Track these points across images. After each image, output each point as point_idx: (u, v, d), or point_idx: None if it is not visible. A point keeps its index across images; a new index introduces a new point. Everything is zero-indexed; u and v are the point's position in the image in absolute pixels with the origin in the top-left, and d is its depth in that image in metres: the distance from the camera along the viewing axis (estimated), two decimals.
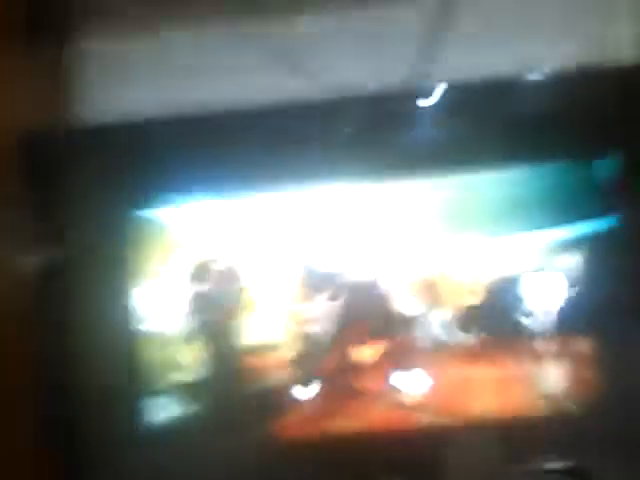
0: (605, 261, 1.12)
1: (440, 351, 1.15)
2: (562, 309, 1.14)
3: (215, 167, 1.03)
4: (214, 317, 1.11)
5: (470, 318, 1.15)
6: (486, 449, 1.08)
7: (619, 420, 1.08)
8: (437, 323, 1.15)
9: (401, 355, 1.14)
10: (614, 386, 1.10)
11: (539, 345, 1.14)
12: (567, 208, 1.11)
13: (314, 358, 1.14)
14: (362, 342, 1.15)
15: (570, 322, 1.14)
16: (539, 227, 1.12)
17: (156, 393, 1.09)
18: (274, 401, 1.11)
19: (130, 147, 1.02)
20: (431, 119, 1.08)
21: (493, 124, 1.06)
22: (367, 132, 1.06)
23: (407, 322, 1.15)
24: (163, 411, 1.09)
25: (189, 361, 1.09)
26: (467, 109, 1.06)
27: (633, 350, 1.10)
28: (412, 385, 1.12)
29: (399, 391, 1.12)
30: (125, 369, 1.07)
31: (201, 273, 1.10)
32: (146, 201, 1.08)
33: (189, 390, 1.09)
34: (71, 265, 1.06)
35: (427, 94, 1.07)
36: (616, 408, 1.09)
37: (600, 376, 1.11)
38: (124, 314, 1.07)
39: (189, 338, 1.09)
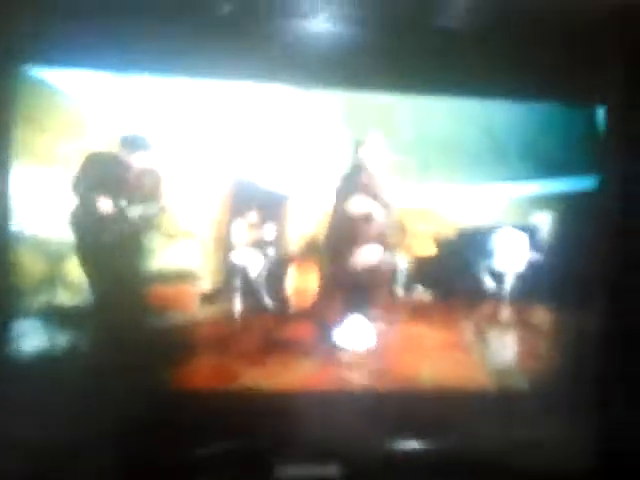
0: (575, 226, 1.04)
1: (386, 303, 1.01)
2: (523, 273, 1.04)
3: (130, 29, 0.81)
4: (116, 227, 0.90)
5: (425, 270, 1.02)
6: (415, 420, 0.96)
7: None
8: (387, 270, 1.01)
9: (340, 303, 0.99)
10: (564, 364, 1.02)
11: (493, 309, 1.03)
12: (544, 161, 1.01)
13: (235, 295, 0.96)
14: (295, 283, 0.98)
15: (527, 289, 1.05)
16: (512, 178, 1.00)
17: (32, 314, 0.86)
18: (180, 342, 0.92)
19: None
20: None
21: (475, 54, 0.96)
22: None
23: (352, 265, 0.99)
24: (38, 338, 0.87)
25: (77, 280, 0.87)
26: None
27: (589, 325, 1.02)
28: (348, 340, 0.96)
29: (330, 345, 0.97)
30: None
31: (106, 166, 0.88)
32: (41, 56, 0.78)
33: (73, 316, 0.88)
34: None
35: None
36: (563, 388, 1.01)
37: (551, 351, 1.02)
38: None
39: (80, 250, 0.87)
